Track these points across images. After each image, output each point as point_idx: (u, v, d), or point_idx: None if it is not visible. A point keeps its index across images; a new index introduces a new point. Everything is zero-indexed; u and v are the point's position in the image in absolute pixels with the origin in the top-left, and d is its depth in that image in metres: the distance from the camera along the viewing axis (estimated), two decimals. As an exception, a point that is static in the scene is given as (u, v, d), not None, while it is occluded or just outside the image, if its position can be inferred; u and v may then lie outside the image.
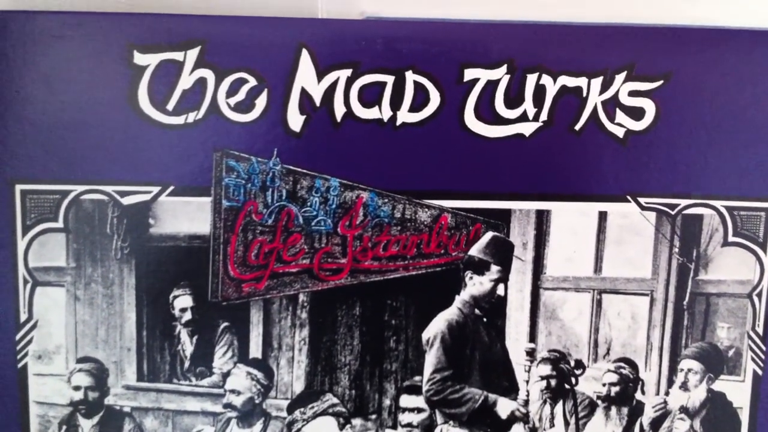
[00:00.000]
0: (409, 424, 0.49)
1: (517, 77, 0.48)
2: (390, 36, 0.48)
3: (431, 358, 0.49)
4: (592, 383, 0.49)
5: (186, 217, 0.48)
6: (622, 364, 0.49)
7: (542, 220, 0.49)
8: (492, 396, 0.48)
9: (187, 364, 0.49)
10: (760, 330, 0.49)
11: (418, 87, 0.48)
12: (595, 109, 0.48)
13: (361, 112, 0.48)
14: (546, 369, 0.49)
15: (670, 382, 0.49)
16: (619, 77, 0.48)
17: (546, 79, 0.48)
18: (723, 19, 0.50)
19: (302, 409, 0.48)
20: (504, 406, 0.48)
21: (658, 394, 0.49)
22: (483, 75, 0.48)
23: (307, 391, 0.49)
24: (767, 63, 0.48)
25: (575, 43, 0.48)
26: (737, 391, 0.49)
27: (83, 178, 0.48)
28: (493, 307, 0.49)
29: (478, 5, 0.50)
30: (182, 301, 0.48)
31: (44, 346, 0.48)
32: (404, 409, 0.49)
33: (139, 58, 0.47)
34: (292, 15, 0.50)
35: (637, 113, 0.48)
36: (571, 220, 0.49)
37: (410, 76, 0.48)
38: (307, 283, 0.48)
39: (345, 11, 0.51)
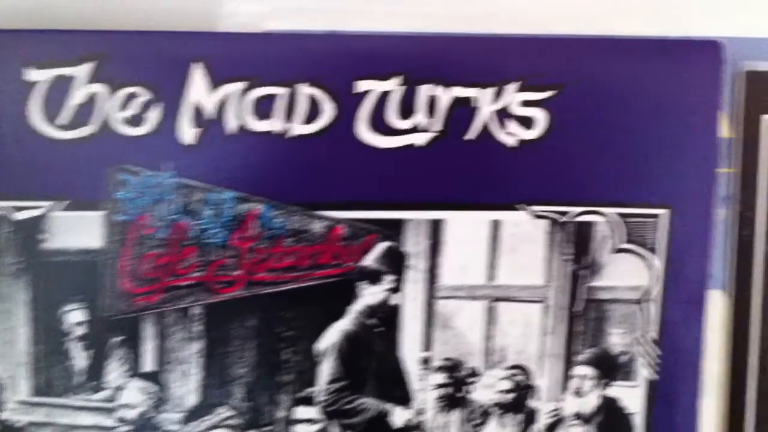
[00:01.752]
0: (304, 436, 0.49)
1: (409, 88, 0.48)
2: (283, 49, 0.49)
3: (326, 369, 0.49)
4: (486, 391, 0.50)
5: (79, 231, 0.48)
6: (516, 372, 0.49)
7: (436, 229, 0.49)
8: (387, 406, 0.49)
9: (80, 378, 0.49)
10: (652, 335, 0.49)
11: (312, 99, 0.48)
12: (487, 118, 0.48)
13: (255, 124, 0.48)
14: (440, 377, 0.49)
15: (564, 389, 0.50)
16: (512, 87, 0.48)
17: (438, 90, 0.48)
18: (618, 29, 0.50)
19: (196, 423, 0.48)
20: (399, 416, 0.49)
21: (552, 400, 0.50)
22: (376, 86, 0.48)
23: (201, 405, 0.48)
24: (660, 72, 0.49)
25: (467, 55, 0.49)
26: (631, 396, 0.50)
27: (-26, 194, 0.48)
28: (387, 316, 0.49)
29: (375, 19, 0.50)
30: (75, 315, 0.48)
31: (-65, 362, 0.48)
32: (298, 421, 0.49)
33: (32, 74, 0.47)
34: (193, 29, 0.50)
35: (529, 123, 0.49)
36: (465, 229, 0.49)
37: (304, 89, 0.48)
38: (201, 296, 0.48)
39: (247, 25, 0.51)
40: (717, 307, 0.50)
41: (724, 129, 0.50)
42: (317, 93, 0.48)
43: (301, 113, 0.48)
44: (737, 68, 0.50)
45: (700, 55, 0.48)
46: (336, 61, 0.48)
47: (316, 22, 0.51)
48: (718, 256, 0.50)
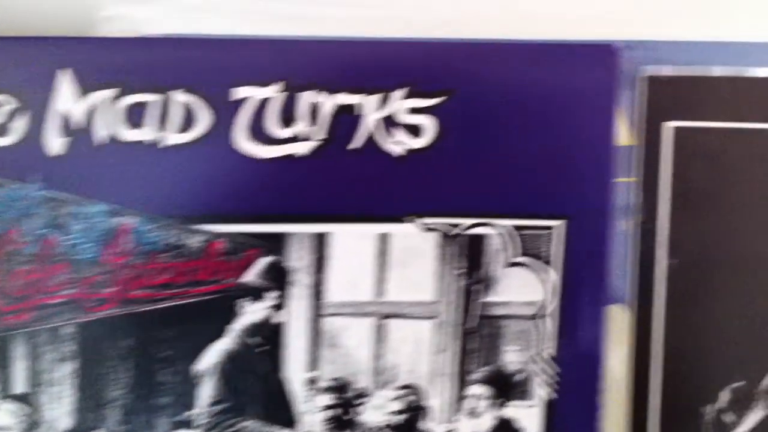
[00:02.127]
0: (182, 460, 0.47)
1: (290, 95, 0.46)
2: (157, 54, 0.46)
3: (206, 391, 0.46)
4: (376, 412, 0.47)
5: (-57, 247, 0.45)
6: (407, 392, 0.47)
7: (321, 243, 0.46)
8: (271, 429, 0.46)
9: (-54, 401, 0.46)
10: (549, 352, 0.47)
11: (187, 106, 0.45)
12: (373, 127, 0.46)
13: (126, 133, 0.46)
14: (327, 399, 0.47)
15: (458, 409, 0.47)
16: (398, 94, 0.46)
17: (321, 97, 0.46)
18: (515, 33, 0.48)
19: (68, 448, 0.46)
20: (282, 439, 0.47)
21: (445, 422, 0.47)
22: (254, 93, 0.46)
23: (75, 428, 0.46)
24: (554, 77, 0.46)
25: (351, 60, 0.46)
26: (527, 416, 0.48)
27: None
28: (270, 335, 0.47)
29: (257, 23, 0.48)
30: (-59, 335, 0.46)
31: None
32: (176, 445, 0.46)
33: None
34: (70, 34, 0.48)
35: (416, 131, 0.46)
36: (352, 243, 0.47)
37: (178, 96, 0.45)
38: (73, 314, 0.46)
39: (126, 30, 0.48)
40: (618, 322, 0.48)
41: (625, 136, 0.48)
42: (192, 100, 0.46)
43: (175, 121, 0.46)
44: (638, 73, 0.48)
45: (595, 59, 0.46)
46: (212, 66, 0.46)
47: (199, 25, 0.48)
48: (619, 269, 0.48)
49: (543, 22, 0.47)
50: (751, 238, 0.48)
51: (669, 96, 0.47)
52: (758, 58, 0.48)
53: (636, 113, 0.48)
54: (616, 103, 0.46)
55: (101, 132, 0.45)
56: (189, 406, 0.47)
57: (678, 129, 0.48)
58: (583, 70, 0.46)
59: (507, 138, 0.46)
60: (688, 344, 0.48)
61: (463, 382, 0.47)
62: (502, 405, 0.47)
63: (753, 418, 0.48)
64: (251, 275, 0.46)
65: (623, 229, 0.48)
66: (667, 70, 0.48)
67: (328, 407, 0.47)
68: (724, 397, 0.48)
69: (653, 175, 0.48)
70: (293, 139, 0.46)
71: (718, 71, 0.48)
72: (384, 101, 0.46)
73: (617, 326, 0.48)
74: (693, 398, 0.48)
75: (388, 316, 0.47)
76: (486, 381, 0.47)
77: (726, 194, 0.48)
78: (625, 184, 0.48)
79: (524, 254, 0.47)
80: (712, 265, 0.48)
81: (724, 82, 0.48)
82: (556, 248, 0.47)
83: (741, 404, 0.48)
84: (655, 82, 0.47)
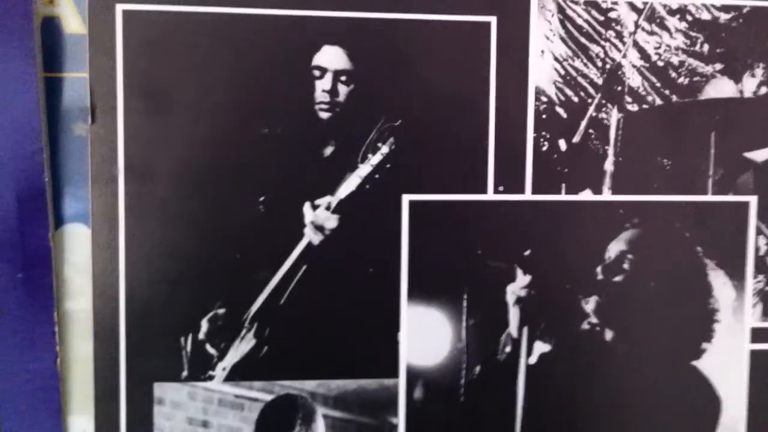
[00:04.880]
0: None
1: None
2: None
3: None
4: None
5: None
6: None
7: None
8: None
9: None
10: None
11: None
12: None
13: None
14: None
15: None
16: None
17: None
18: None
19: None
20: None
21: None
22: None
23: None
24: None
25: None
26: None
27: None
28: None
29: None
30: None
31: None
32: None
33: None
34: None
35: None
36: None
37: None
38: None
39: None
40: (80, 242, 0.41)
41: (75, 23, 0.40)
42: None
43: None
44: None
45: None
46: None
47: None
48: (80, 182, 0.41)
49: None
50: (218, 145, 0.41)
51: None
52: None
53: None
54: None
55: None
56: None
57: (128, 12, 0.40)
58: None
59: None
60: (154, 269, 0.42)
61: None
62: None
63: (240, 348, 0.42)
64: None
65: (79, 135, 0.41)
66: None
67: None
68: (205, 326, 0.42)
69: (105, 68, 0.40)
70: None
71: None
72: None
73: (79, 247, 0.41)
74: (169, 328, 0.42)
75: None
76: None
77: (186, 92, 0.41)
78: (79, 80, 0.40)
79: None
80: (175, 177, 0.41)
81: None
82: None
83: (224, 334, 0.42)
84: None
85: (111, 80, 0.40)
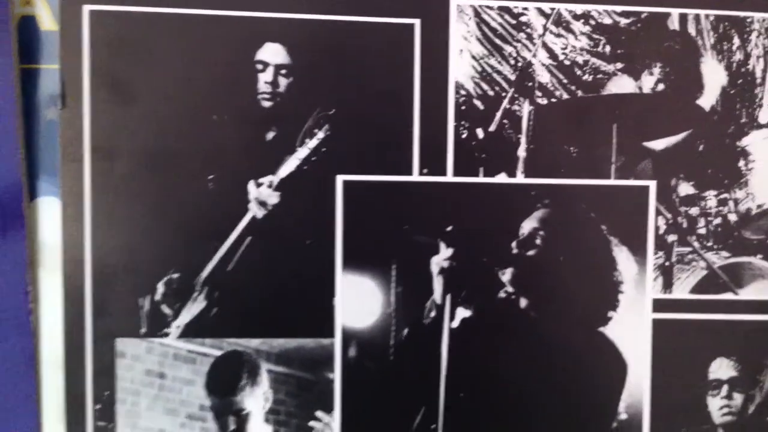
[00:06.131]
0: None
1: None
2: None
3: None
4: None
5: None
6: None
7: None
8: None
9: None
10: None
11: None
12: None
13: None
14: None
15: None
16: None
17: None
18: None
19: None
20: None
21: None
22: None
23: None
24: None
25: None
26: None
27: None
28: None
29: None
30: None
31: None
32: None
33: None
34: None
35: None
36: None
37: None
38: None
39: None
40: (50, 214, 0.47)
41: (48, 21, 0.46)
42: None
43: None
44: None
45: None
46: None
47: None
48: (51, 162, 0.46)
49: None
50: (173, 130, 0.47)
51: (86, -23, 0.45)
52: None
53: (56, -2, 0.46)
54: None
55: None
56: None
57: (94, 12, 0.45)
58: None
59: None
60: (117, 238, 0.47)
61: None
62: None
63: (192, 309, 0.48)
64: None
65: (51, 120, 0.46)
66: (81, -51, 0.45)
67: None
68: (161, 288, 0.48)
69: (74, 61, 0.46)
70: None
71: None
72: None
73: (51, 218, 0.47)
74: (130, 290, 0.47)
75: None
76: None
77: (146, 82, 0.46)
78: (52, 71, 0.46)
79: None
80: (136, 157, 0.47)
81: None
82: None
83: (178, 296, 0.48)
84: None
85: (79, 72, 0.46)
